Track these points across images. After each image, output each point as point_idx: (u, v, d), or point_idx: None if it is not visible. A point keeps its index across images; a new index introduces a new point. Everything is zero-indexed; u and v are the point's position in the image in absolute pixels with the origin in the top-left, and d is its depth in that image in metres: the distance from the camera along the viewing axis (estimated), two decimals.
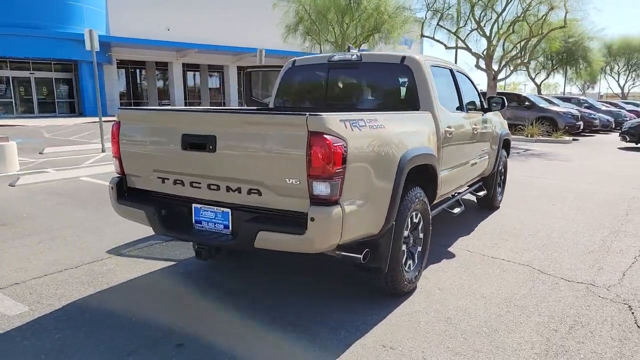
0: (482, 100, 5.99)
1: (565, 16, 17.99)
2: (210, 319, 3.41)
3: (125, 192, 3.69)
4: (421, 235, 3.99)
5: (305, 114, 2.79)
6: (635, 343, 3.10)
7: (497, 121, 6.46)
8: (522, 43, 20.25)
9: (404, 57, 4.43)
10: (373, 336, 3.18)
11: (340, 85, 4.90)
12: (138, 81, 39.48)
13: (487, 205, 6.73)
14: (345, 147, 2.83)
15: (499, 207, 6.93)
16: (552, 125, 18.75)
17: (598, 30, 37.90)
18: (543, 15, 18.51)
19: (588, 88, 54.90)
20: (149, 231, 5.29)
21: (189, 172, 3.30)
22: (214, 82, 43.13)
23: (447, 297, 3.80)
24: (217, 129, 3.10)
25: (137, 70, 38.75)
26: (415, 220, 3.87)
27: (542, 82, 38.50)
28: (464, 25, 19.57)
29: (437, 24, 19.62)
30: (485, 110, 5.92)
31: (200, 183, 3.28)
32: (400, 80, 4.54)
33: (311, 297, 3.77)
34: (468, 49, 19.59)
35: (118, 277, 4.16)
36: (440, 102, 4.43)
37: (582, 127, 20.15)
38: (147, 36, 33.76)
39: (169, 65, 38.22)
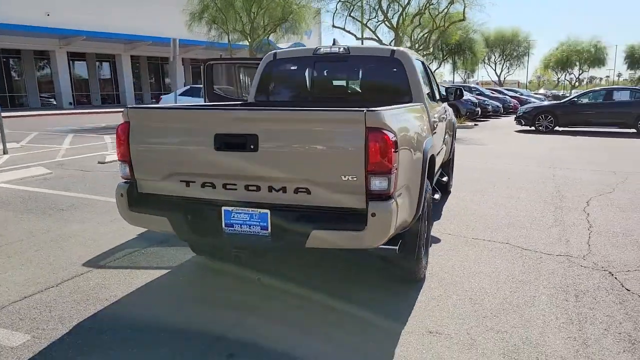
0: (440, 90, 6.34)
1: (464, 10, 19.42)
2: (246, 324, 3.27)
3: (136, 199, 3.38)
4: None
5: (363, 110, 2.78)
6: (634, 304, 3.55)
7: (450, 110, 6.86)
8: (426, 35, 21.48)
9: (393, 51, 4.54)
10: (414, 323, 3.27)
11: (328, 79, 4.87)
12: (13, 72, 35.25)
13: (443, 191, 7.15)
14: (397, 141, 2.87)
15: (451, 191, 7.38)
16: (455, 111, 20.21)
17: (480, 24, 41.40)
18: (444, 9, 19.80)
19: (469, 77, 59.89)
20: (113, 241, 4.90)
21: (223, 173, 3.11)
22: (104, 72, 40.01)
23: (457, 280, 4.01)
24: (259, 127, 2.96)
25: (12, 60, 34.59)
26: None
27: (434, 71, 41.27)
28: (374, 17, 20.24)
29: (349, 15, 20.06)
30: (443, 100, 6.27)
31: (235, 185, 3.12)
32: (391, 73, 4.63)
33: (335, 293, 3.77)
34: (379, 40, 20.33)
35: (114, 292, 3.80)
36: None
37: (479, 113, 22.01)
38: (24, 22, 30.17)
39: (52, 54, 34.66)
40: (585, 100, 17.11)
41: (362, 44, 27.84)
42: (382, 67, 4.65)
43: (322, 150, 2.87)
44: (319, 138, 2.87)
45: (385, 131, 2.78)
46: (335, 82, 4.96)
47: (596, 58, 57.63)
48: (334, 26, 21.13)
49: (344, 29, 20.95)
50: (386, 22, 20.28)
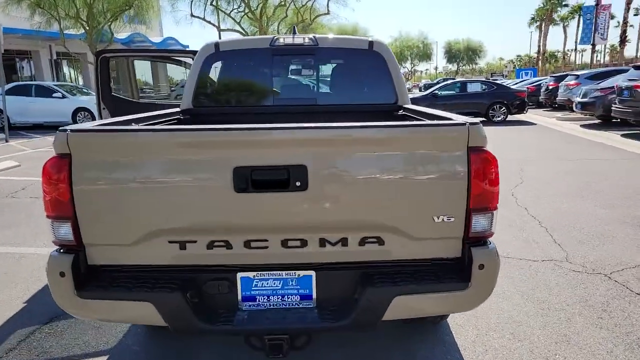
0: None
1: (327, 4, 19.38)
2: None
3: (87, 277, 2.13)
4: None
5: (465, 123, 2.01)
6: None
7: None
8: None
9: (371, 42, 3.79)
10: (496, 332, 2.66)
11: (292, 78, 3.92)
12: None
13: None
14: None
15: None
16: None
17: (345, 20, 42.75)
18: (307, 1, 19.51)
19: None
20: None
21: (246, 226, 2.06)
22: None
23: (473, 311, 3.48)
24: (310, 153, 1.99)
25: None
26: None
27: None
28: (237, 7, 19.06)
29: (211, 4, 18.56)
30: None
31: (266, 241, 2.10)
32: (370, 69, 3.88)
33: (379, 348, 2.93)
34: (244, 32, 19.24)
35: None
36: None
37: None
38: None
39: None
40: (445, 93, 18.37)
41: (221, 37, 26.32)
42: (358, 62, 3.87)
43: (404, 182, 2.03)
44: (399, 165, 2.03)
45: (489, 151, 2.05)
46: (302, 82, 4.02)
47: (424, 53, 63.89)
48: (192, 15, 19.36)
49: (203, 18, 19.37)
50: (248, 14, 19.25)
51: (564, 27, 63.09)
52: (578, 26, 52.19)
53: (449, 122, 2.05)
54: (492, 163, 2.04)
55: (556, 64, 73.30)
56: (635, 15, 42.03)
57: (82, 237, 2.09)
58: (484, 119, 18.40)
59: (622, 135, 12.21)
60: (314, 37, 3.80)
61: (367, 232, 2.10)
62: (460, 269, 2.11)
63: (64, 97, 17.28)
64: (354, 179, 2.02)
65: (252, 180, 1.99)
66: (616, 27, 46.92)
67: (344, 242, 2.10)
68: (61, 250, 2.14)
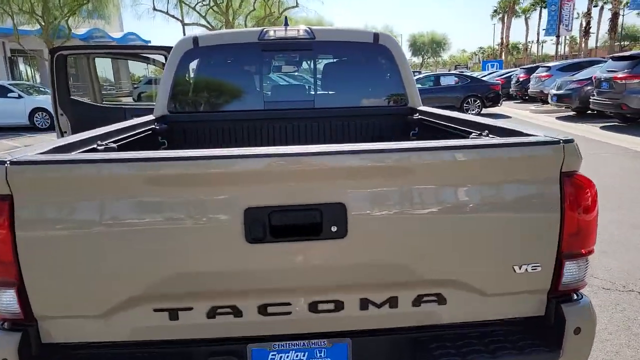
0: None
1: None
2: None
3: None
4: None
5: (558, 140, 1.52)
6: None
7: None
8: (259, 22, 20.27)
9: (377, 35, 3.27)
10: None
11: (285, 76, 3.36)
12: None
13: None
14: None
15: None
16: None
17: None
18: None
19: None
20: None
21: (261, 286, 1.52)
22: None
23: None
24: (350, 187, 1.46)
25: None
26: None
27: None
28: (202, 0, 18.18)
29: None
30: None
31: (289, 304, 1.56)
32: (376, 66, 3.36)
33: None
34: (210, 26, 18.40)
35: None
36: None
37: None
38: None
39: None
40: (418, 87, 18.05)
41: (185, 32, 25.26)
42: (362, 58, 3.34)
43: (477, 220, 1.53)
44: (471, 198, 1.53)
45: (584, 176, 1.57)
46: (297, 81, 3.46)
47: None
48: (154, 9, 18.38)
49: (167, 12, 18.41)
50: (214, 8, 18.41)
51: (526, 19, 64.17)
52: (540, 18, 53.20)
53: (537, 139, 1.55)
54: (590, 191, 1.55)
55: (518, 55, 74.70)
56: (595, 6, 43.07)
57: (33, 308, 1.50)
58: (457, 112, 18.23)
59: (602, 128, 12.13)
60: (309, 29, 3.25)
61: (425, 289, 1.58)
62: (545, 333, 1.62)
63: (20, 97, 16.04)
64: (409, 219, 1.50)
65: (270, 226, 1.45)
66: (576, 18, 48.01)
67: (392, 302, 1.58)
68: (4, 326, 1.54)
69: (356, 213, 1.46)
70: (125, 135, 2.43)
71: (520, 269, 1.56)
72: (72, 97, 4.01)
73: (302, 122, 3.27)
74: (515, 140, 1.57)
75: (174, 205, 1.45)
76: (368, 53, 3.32)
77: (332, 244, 1.48)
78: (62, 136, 4.35)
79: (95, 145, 2.04)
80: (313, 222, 1.46)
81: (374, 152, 1.47)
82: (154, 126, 2.93)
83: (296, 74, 3.57)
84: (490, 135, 2.00)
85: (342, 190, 1.47)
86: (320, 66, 3.55)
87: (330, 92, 3.55)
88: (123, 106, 4.53)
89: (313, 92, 3.49)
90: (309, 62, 3.46)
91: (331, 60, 3.56)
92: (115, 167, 1.44)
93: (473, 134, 2.10)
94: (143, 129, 2.74)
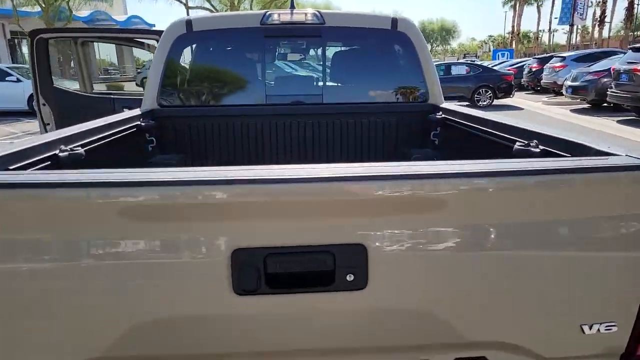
0: None
1: None
2: None
3: None
4: None
5: None
6: None
7: None
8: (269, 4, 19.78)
9: (395, 20, 2.88)
10: None
11: (290, 66, 2.99)
12: None
13: None
14: None
15: None
16: None
17: None
18: None
19: None
20: None
21: (253, 349, 1.17)
22: None
23: None
24: (373, 223, 1.10)
25: None
26: None
27: None
28: None
29: None
30: None
31: None
32: (394, 56, 2.97)
33: None
34: (214, 9, 17.93)
35: None
36: None
37: None
38: None
39: None
40: None
41: (189, 14, 24.70)
42: (378, 47, 2.96)
43: (536, 265, 1.17)
44: (529, 236, 1.17)
45: None
46: (304, 72, 3.08)
47: None
48: None
49: None
50: None
51: (538, 7, 62.85)
52: (553, 6, 52.00)
53: (621, 162, 1.17)
54: None
55: (528, 44, 73.50)
56: None
57: None
58: (468, 103, 17.75)
59: (619, 122, 11.66)
60: (318, 13, 2.86)
61: (465, 352, 1.22)
62: None
63: (18, 80, 15.65)
64: (449, 264, 1.14)
65: (266, 273, 1.09)
66: (590, 7, 46.94)
67: None
68: None
69: (380, 257, 1.11)
70: (101, 136, 2.07)
71: (590, 328, 1.19)
72: (54, 85, 3.65)
73: (308, 119, 2.91)
74: (593, 163, 1.19)
75: (135, 244, 1.10)
76: (385, 41, 2.93)
77: (348, 297, 1.12)
78: (45, 128, 4.03)
79: (57, 151, 1.68)
80: (323, 269, 1.10)
81: (408, 178, 1.10)
82: (139, 122, 2.57)
83: (303, 64, 3.19)
84: (541, 147, 1.63)
85: (363, 226, 1.11)
86: (330, 55, 3.16)
87: (340, 86, 3.16)
88: (112, 96, 4.18)
89: (321, 86, 3.11)
90: (317, 50, 3.08)
91: (342, 49, 3.17)
92: (59, 196, 1.08)
93: (518, 144, 1.72)
94: (125, 127, 2.38)
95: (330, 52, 3.15)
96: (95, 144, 1.98)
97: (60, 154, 1.68)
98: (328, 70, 3.14)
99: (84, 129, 1.96)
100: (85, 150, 1.82)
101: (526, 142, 1.70)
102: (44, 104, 3.60)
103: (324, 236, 1.10)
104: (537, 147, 1.64)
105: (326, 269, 1.10)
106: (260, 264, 1.09)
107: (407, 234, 1.13)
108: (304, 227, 1.11)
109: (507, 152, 1.86)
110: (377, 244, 1.11)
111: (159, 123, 2.79)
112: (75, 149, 1.75)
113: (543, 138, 1.68)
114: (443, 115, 2.70)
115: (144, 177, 1.07)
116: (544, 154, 1.60)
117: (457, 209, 1.13)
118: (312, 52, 3.12)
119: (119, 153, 2.29)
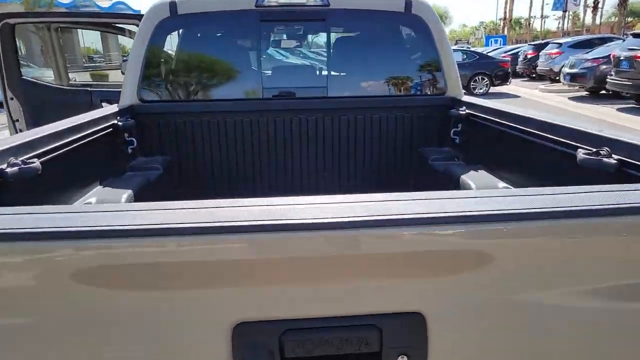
0: None
1: None
2: None
3: None
4: None
5: None
6: None
7: None
8: None
9: (409, 2, 2.52)
10: None
11: (290, 54, 2.63)
12: None
13: None
14: None
15: None
16: None
17: None
18: None
19: None
20: None
21: None
22: None
23: None
24: (438, 283, 0.76)
25: None
26: None
27: None
28: None
29: None
30: None
31: None
32: (407, 43, 2.62)
33: None
34: None
35: None
36: None
37: None
38: None
39: None
40: None
41: None
42: (390, 32, 2.60)
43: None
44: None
45: None
46: (306, 62, 2.73)
47: None
48: None
49: None
50: None
51: None
52: None
53: None
54: None
55: (520, 31, 73.15)
56: None
57: None
58: (464, 91, 17.42)
59: (618, 110, 11.42)
60: None
61: None
62: None
63: None
64: (539, 333, 0.81)
65: (283, 357, 0.75)
66: None
67: None
68: None
69: (445, 329, 0.78)
70: (66, 141, 1.71)
71: None
72: (22, 77, 3.26)
73: (311, 115, 2.55)
74: None
75: (104, 316, 0.75)
76: (397, 25, 2.58)
77: None
78: (14, 124, 3.62)
79: (4, 166, 1.32)
80: (364, 351, 0.77)
81: (488, 220, 0.76)
82: (115, 121, 2.20)
83: (304, 51, 2.82)
84: (615, 156, 1.30)
85: (421, 287, 0.77)
86: (337, 42, 2.80)
87: (347, 77, 2.80)
88: (89, 88, 3.77)
89: (325, 77, 2.74)
90: (320, 36, 2.72)
91: (349, 35, 2.81)
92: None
93: (583, 151, 1.39)
94: (98, 127, 2.01)
95: (337, 38, 2.79)
96: (58, 152, 1.62)
97: (8, 170, 1.32)
98: (333, 60, 2.77)
99: (43, 134, 1.60)
100: (43, 162, 1.46)
101: (593, 149, 1.37)
102: (11, 98, 3.21)
103: (364, 303, 0.77)
104: (609, 156, 1.31)
105: (369, 349, 0.77)
106: (274, 343, 0.75)
107: (483, 297, 0.80)
108: (336, 290, 0.77)
109: (559, 160, 1.53)
110: (441, 311, 0.77)
111: (140, 121, 2.43)
112: (29, 161, 1.40)
113: (614, 144, 1.34)
114: (467, 111, 2.37)
115: (91, 223, 0.72)
116: (621, 166, 1.28)
117: (553, 259, 0.80)
118: (314, 38, 2.77)
119: (91, 160, 1.94)
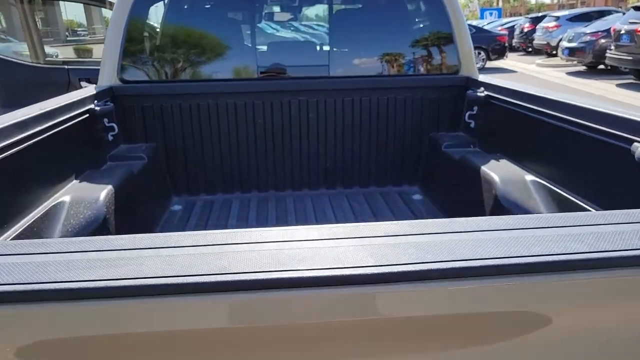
0: None
1: None
2: None
3: None
4: None
5: None
6: None
7: None
8: None
9: None
10: None
11: (287, 29, 2.38)
12: None
13: None
14: None
15: None
16: None
17: None
18: None
19: None
20: None
21: None
22: None
23: None
24: None
25: None
26: None
27: None
28: None
29: None
30: None
31: None
32: (421, 20, 2.37)
33: None
34: None
35: None
36: None
37: None
38: None
39: None
40: None
41: None
42: (398, 5, 2.34)
43: None
44: None
45: None
46: (307, 42, 2.47)
47: None
48: None
49: None
50: None
51: None
52: None
53: None
54: None
55: (514, 3, 72.14)
56: None
57: None
58: None
59: (618, 86, 11.22)
60: None
61: None
62: None
63: None
64: None
65: None
66: None
67: None
68: None
69: None
70: (31, 132, 1.46)
71: None
72: None
73: (311, 96, 2.31)
74: None
75: None
76: (410, 2, 2.32)
77: None
78: None
79: None
80: None
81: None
82: (92, 107, 1.94)
83: (303, 25, 2.55)
84: None
85: None
86: (339, 15, 2.53)
87: (351, 54, 2.54)
88: (66, 64, 3.46)
89: (327, 52, 2.48)
90: (321, 8, 2.46)
91: (353, 7, 2.54)
92: None
93: (636, 144, 1.18)
94: (70, 114, 1.75)
95: (339, 10, 2.52)
96: (21, 146, 1.38)
97: None
98: (336, 35, 2.50)
99: (2, 125, 1.35)
100: (2, 159, 1.22)
101: None
102: None
103: None
104: None
105: None
106: None
107: None
108: None
109: (607, 154, 1.32)
110: None
111: (120, 104, 2.17)
112: None
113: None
114: (486, 93, 2.13)
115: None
116: None
117: None
118: (314, 10, 2.50)
119: (64, 152, 1.69)
